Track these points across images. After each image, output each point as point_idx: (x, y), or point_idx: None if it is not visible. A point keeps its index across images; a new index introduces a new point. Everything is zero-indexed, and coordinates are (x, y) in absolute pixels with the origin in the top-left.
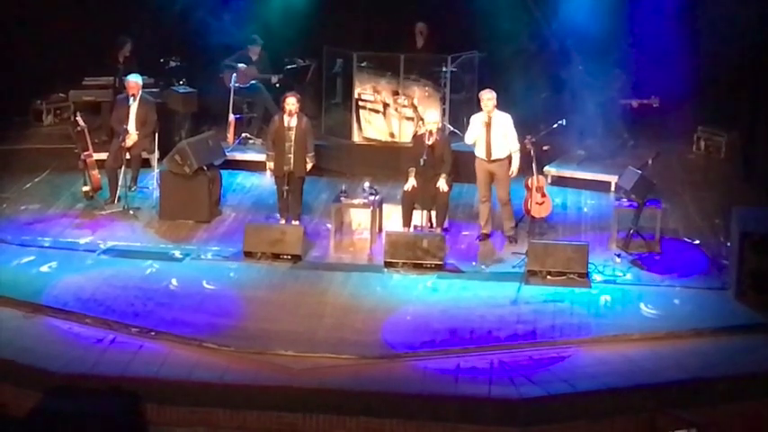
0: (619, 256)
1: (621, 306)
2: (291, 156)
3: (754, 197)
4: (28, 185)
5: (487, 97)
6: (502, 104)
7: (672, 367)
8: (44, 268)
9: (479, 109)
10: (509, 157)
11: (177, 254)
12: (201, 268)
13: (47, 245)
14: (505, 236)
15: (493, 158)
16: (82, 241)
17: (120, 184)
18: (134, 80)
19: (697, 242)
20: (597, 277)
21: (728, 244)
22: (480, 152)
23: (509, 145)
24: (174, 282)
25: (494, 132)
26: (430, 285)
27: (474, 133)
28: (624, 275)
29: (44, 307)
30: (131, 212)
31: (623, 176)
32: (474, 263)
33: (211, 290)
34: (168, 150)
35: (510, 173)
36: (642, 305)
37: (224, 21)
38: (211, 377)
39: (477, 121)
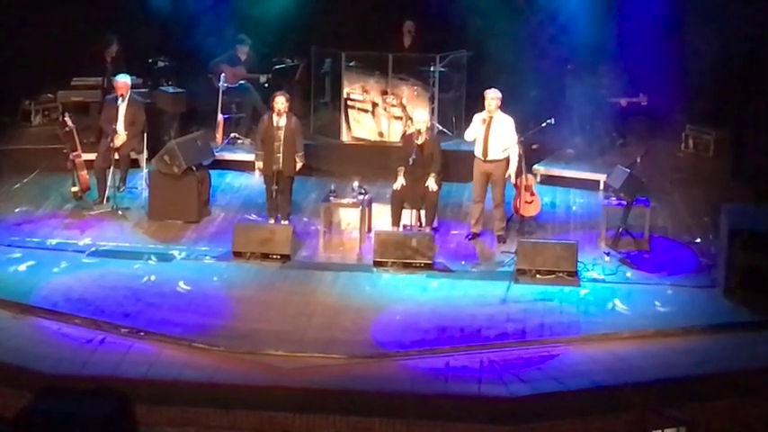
0: (608, 254)
1: (610, 304)
2: (280, 155)
3: (742, 195)
4: (16, 186)
5: (491, 97)
6: None
7: (661, 365)
8: (33, 269)
9: (475, 108)
10: (507, 160)
11: (167, 254)
12: (191, 268)
13: (35, 245)
14: (495, 235)
15: (489, 158)
16: (71, 242)
17: (108, 184)
18: (123, 80)
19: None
20: (594, 274)
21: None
22: (478, 151)
23: (507, 147)
24: (163, 282)
25: (492, 132)
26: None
27: (473, 131)
28: (613, 274)
29: (33, 308)
30: (120, 213)
31: (612, 175)
32: (463, 262)
33: (200, 290)
34: (157, 150)
35: (506, 175)
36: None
37: (212, 20)
38: (201, 377)
39: (478, 119)
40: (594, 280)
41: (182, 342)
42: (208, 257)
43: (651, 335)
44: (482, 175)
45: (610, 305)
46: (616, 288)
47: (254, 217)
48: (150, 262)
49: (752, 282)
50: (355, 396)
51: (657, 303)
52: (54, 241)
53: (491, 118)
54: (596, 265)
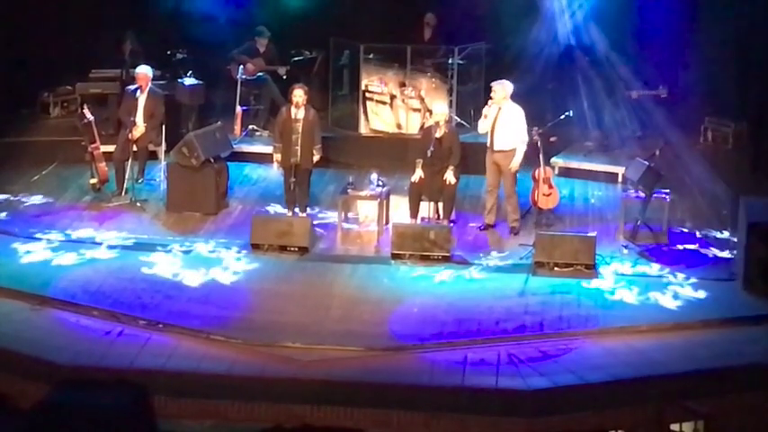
0: (626, 247)
1: (629, 297)
2: (298, 148)
3: (761, 187)
4: (35, 178)
5: (494, 88)
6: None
7: (680, 358)
8: (51, 260)
9: (489, 99)
10: (515, 151)
11: (185, 246)
12: (209, 260)
13: (54, 237)
14: (509, 227)
15: (496, 149)
16: (89, 233)
17: (127, 176)
18: (143, 72)
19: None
20: (612, 267)
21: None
22: (488, 141)
23: (516, 138)
24: (181, 274)
25: (499, 123)
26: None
27: (484, 122)
28: (631, 267)
29: (51, 299)
30: (138, 205)
31: (631, 168)
32: (481, 254)
33: (219, 282)
34: (175, 142)
35: (510, 167)
36: (649, 296)
37: (231, 12)
38: (219, 369)
39: (486, 110)
40: (613, 273)
41: (200, 334)
42: (217, 246)
43: (669, 328)
44: (492, 165)
45: (628, 298)
46: (634, 281)
47: (272, 209)
48: (163, 258)
49: None
50: (373, 388)
51: (676, 296)
52: (72, 233)
53: (499, 108)
54: (614, 258)
